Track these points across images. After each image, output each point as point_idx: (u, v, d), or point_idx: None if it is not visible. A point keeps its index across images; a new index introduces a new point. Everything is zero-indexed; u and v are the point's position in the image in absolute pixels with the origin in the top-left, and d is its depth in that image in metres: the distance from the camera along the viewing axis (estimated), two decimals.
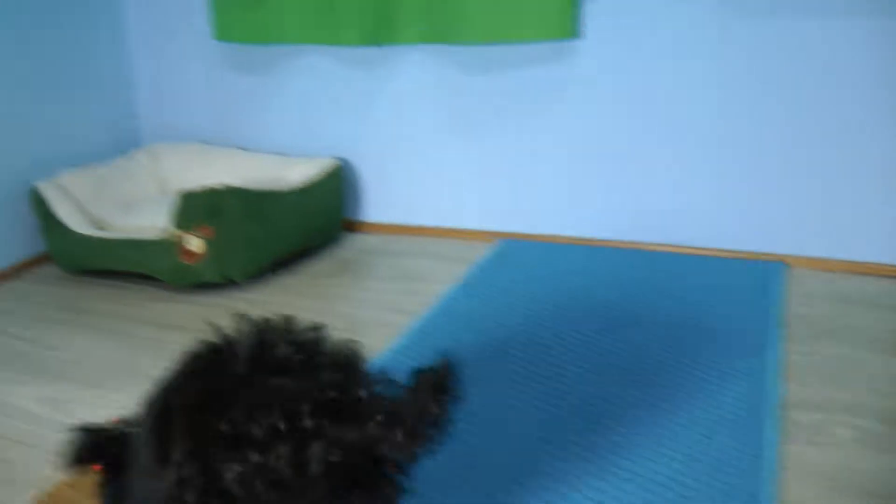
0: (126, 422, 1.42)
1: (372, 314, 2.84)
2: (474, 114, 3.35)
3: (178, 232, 3.02)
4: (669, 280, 2.93)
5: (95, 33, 3.85)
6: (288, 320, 1.33)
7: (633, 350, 2.49)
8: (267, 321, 1.32)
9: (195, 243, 3.00)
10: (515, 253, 3.23)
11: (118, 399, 2.47)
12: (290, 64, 3.64)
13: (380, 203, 3.65)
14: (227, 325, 1.39)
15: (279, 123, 3.75)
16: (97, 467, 1.40)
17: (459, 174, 3.44)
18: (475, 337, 2.61)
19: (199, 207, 2.99)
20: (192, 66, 3.89)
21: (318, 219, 3.33)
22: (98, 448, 1.40)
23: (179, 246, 3.01)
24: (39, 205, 3.40)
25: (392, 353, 2.54)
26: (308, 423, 1.11)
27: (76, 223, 3.34)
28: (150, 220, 3.35)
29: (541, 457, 2.00)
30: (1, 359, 2.80)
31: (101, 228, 3.40)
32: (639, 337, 2.56)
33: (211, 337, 1.35)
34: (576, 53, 3.14)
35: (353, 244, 3.53)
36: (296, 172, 3.47)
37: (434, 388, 1.44)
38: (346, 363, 1.28)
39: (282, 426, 1.10)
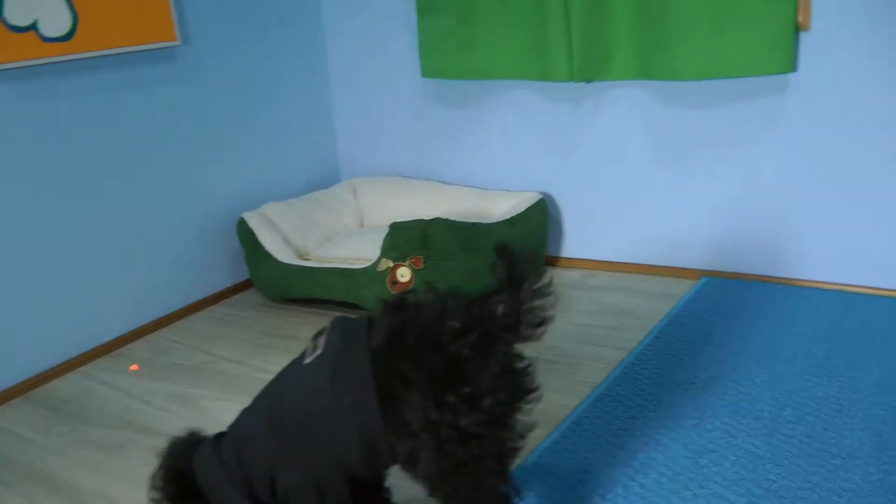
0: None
1: (580, 347, 2.79)
2: (681, 149, 3.27)
3: (387, 261, 3.04)
4: (885, 327, 2.78)
5: (298, 61, 3.96)
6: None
7: (844, 394, 2.36)
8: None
9: (404, 273, 3.01)
10: (721, 291, 3.14)
11: None
12: (493, 98, 3.65)
13: (580, 238, 3.60)
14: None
15: (480, 158, 3.75)
16: None
17: (664, 210, 3.36)
18: (686, 373, 2.55)
19: (411, 238, 3.01)
20: (392, 102, 3.95)
21: None
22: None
23: (389, 275, 3.03)
24: (245, 234, 3.49)
25: (606, 386, 2.49)
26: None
27: (281, 253, 3.41)
28: (350, 250, 3.40)
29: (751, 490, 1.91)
30: (213, 380, 2.87)
31: (304, 258, 3.46)
32: (851, 383, 2.43)
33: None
34: (787, 87, 3.03)
35: (555, 279, 3.47)
36: (498, 206, 3.47)
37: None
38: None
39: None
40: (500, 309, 1.53)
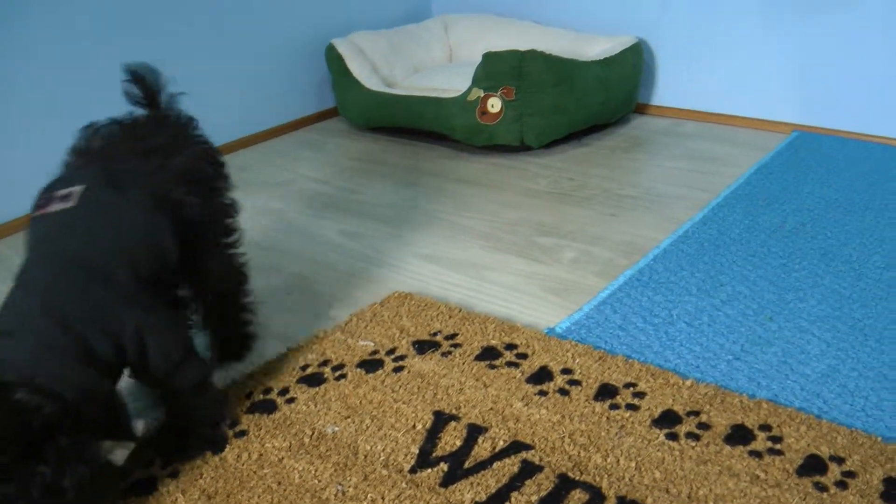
0: None
1: (668, 188, 2.78)
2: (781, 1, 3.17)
3: (478, 91, 3.02)
4: None
5: None
6: None
7: None
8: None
9: (495, 104, 2.99)
10: (813, 145, 3.08)
11: (413, 237, 2.53)
12: None
13: (671, 87, 3.53)
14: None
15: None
16: None
17: (760, 62, 3.26)
18: (775, 217, 2.53)
19: (504, 68, 2.98)
20: None
21: (617, 93, 3.26)
22: None
23: (479, 105, 3.02)
24: (334, 60, 3.49)
25: (694, 224, 2.49)
26: None
27: (369, 80, 3.41)
28: (439, 82, 3.38)
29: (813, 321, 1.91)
30: (300, 196, 2.91)
31: (391, 88, 3.45)
32: None
33: None
34: None
35: (643, 125, 3.46)
36: (593, 48, 3.41)
37: None
38: None
39: None
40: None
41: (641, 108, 3.57)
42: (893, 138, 3.05)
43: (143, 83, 1.70)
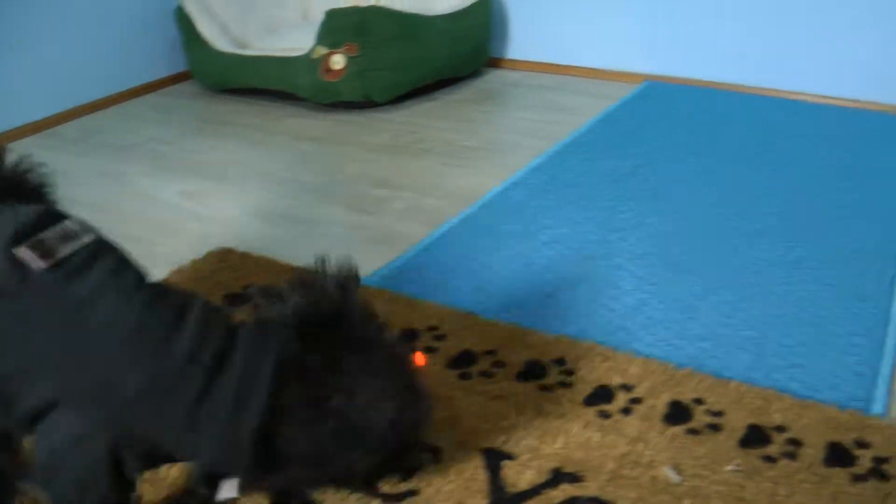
0: None
1: (513, 137, 2.77)
2: None
3: (322, 49, 2.97)
4: (819, 129, 2.77)
5: None
6: None
7: (768, 183, 2.37)
8: None
9: (338, 61, 2.95)
10: (662, 94, 3.11)
11: (248, 196, 2.48)
12: None
13: (523, 40, 3.52)
14: None
15: None
16: None
17: (610, 13, 3.27)
18: (611, 162, 2.54)
19: (347, 24, 2.94)
20: None
21: (464, 46, 3.23)
22: None
23: (322, 63, 2.97)
24: (184, 22, 3.40)
25: (528, 170, 2.48)
26: None
27: (218, 41, 3.33)
28: (292, 42, 3.31)
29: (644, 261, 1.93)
30: (145, 158, 2.83)
31: (244, 48, 3.38)
32: (778, 172, 2.44)
33: None
34: None
35: (495, 78, 3.44)
36: (442, 3, 3.37)
37: None
38: None
39: None
40: None
41: (495, 62, 3.55)
42: (737, 84, 3.08)
43: None
